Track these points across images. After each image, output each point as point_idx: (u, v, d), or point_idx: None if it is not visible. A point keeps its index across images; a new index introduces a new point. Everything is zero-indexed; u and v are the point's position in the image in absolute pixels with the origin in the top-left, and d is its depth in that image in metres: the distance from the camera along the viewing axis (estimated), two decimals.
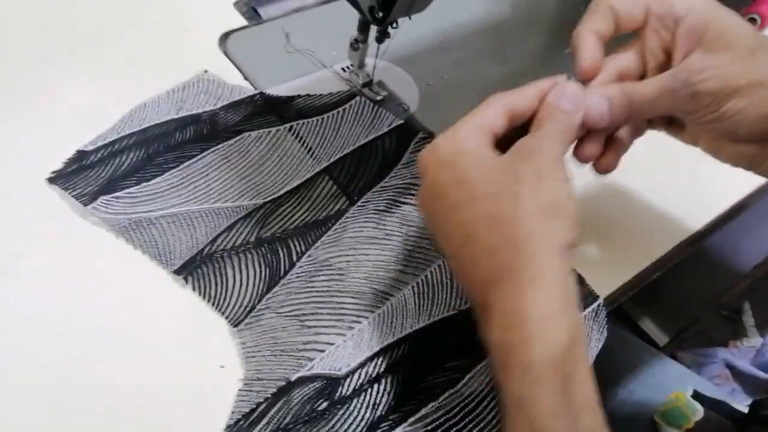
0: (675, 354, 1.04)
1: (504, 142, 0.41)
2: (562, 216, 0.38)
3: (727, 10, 0.43)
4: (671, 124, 0.50)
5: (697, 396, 0.67)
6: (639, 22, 0.44)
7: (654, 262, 0.56)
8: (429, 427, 0.43)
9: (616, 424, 0.68)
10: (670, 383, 0.71)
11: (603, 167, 0.47)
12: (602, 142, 0.46)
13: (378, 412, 0.44)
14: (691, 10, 0.42)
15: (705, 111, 0.43)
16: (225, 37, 0.65)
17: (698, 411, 0.64)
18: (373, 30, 0.57)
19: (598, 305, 0.51)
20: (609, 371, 0.73)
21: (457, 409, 0.44)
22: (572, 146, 0.45)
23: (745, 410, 0.66)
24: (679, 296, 1.16)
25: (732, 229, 0.63)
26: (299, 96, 0.60)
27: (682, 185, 0.61)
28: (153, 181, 0.52)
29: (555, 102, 0.41)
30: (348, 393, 0.44)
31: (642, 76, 0.46)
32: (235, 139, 0.56)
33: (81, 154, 0.53)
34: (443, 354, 0.47)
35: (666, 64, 0.44)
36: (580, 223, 0.38)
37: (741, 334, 1.09)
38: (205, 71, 0.61)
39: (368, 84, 0.62)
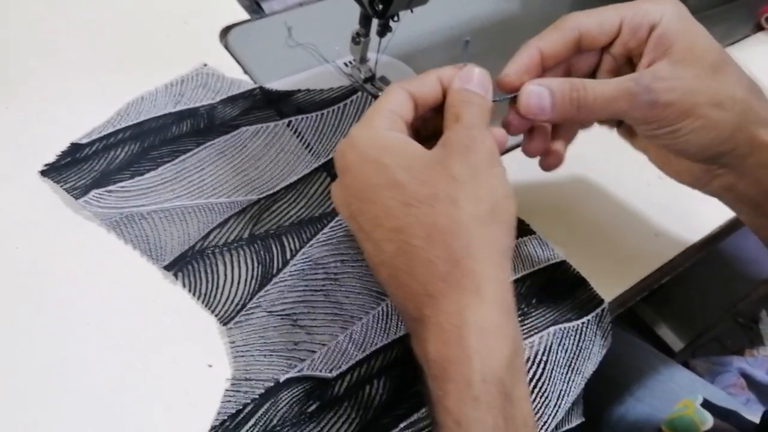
0: (688, 362, 1.02)
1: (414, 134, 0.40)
2: (501, 219, 0.36)
3: (695, 21, 0.42)
4: (622, 124, 0.48)
5: (707, 405, 0.65)
6: (611, 36, 0.43)
7: (664, 265, 0.55)
8: None
9: (625, 430, 0.67)
10: (680, 391, 0.69)
11: (548, 164, 0.46)
12: (548, 136, 0.45)
13: (369, 415, 0.42)
14: (663, 17, 0.42)
15: (660, 124, 0.42)
16: (226, 30, 0.64)
17: (707, 420, 0.62)
18: (375, 24, 0.56)
19: (602, 310, 0.49)
20: (616, 377, 0.71)
21: None
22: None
23: (758, 420, 0.64)
24: (695, 303, 1.13)
25: (749, 236, 0.61)
26: (299, 90, 0.58)
27: None
28: (147, 176, 0.51)
29: (463, 86, 0.40)
30: (338, 395, 0.43)
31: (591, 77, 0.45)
32: (232, 134, 0.55)
33: (75, 147, 0.52)
34: None
35: (623, 69, 0.44)
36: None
37: (757, 343, 1.06)
38: (205, 65, 0.60)
39: (370, 79, 0.61)
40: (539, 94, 0.42)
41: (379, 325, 0.46)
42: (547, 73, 0.44)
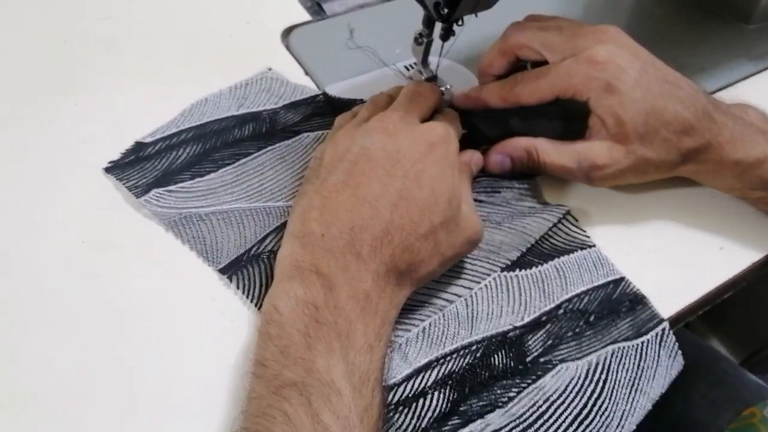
0: None
1: None
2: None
3: (624, 89, 0.49)
4: None
5: None
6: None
7: (728, 280, 0.52)
8: None
9: (687, 428, 0.65)
10: (748, 394, 0.67)
11: None
12: None
13: (422, 427, 0.42)
14: (591, 98, 0.50)
15: (595, 186, 0.53)
16: (288, 31, 0.65)
17: None
18: (438, 27, 0.55)
19: (663, 330, 0.47)
20: (680, 375, 0.69)
21: (506, 429, 0.42)
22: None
23: None
24: (752, 317, 1.09)
25: None
26: (362, 100, 0.58)
27: None
28: (207, 177, 0.52)
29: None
30: (392, 405, 0.43)
31: None
32: (293, 139, 0.55)
33: (139, 146, 0.53)
34: (494, 372, 0.44)
35: None
36: None
37: None
38: (269, 69, 0.60)
39: (431, 81, 0.60)
40: (502, 161, 0.53)
41: (434, 335, 0.46)
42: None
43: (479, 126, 0.57)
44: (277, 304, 0.39)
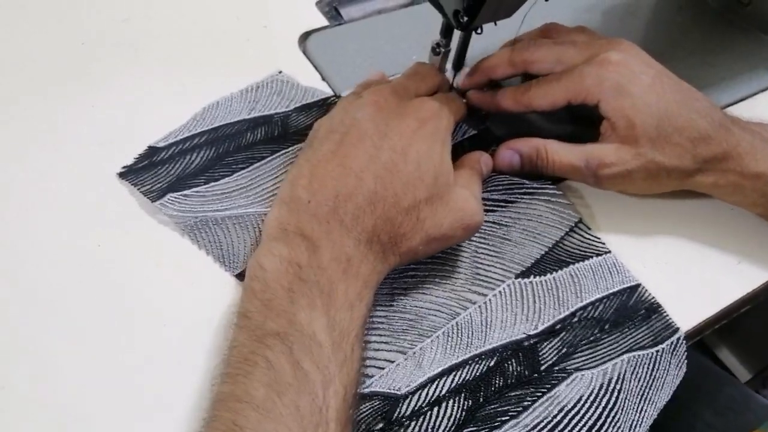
0: (758, 391, 0.97)
1: None
2: None
3: (636, 92, 0.49)
4: None
5: None
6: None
7: (745, 296, 0.52)
8: None
9: None
10: (753, 417, 0.66)
11: None
12: None
13: None
14: (601, 100, 0.49)
15: (604, 187, 0.53)
16: (305, 36, 0.65)
17: None
18: (457, 35, 0.55)
19: (677, 339, 0.47)
20: (686, 401, 0.68)
21: None
22: None
23: None
24: (766, 332, 1.08)
25: None
26: None
27: None
28: (222, 181, 0.52)
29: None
30: (406, 414, 0.42)
31: None
32: (305, 143, 0.55)
33: (152, 151, 0.53)
34: (508, 380, 0.44)
35: None
36: None
37: None
38: (280, 72, 0.60)
39: (449, 89, 0.60)
40: (511, 158, 0.53)
41: (448, 344, 0.45)
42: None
43: (490, 127, 0.57)
44: (262, 261, 0.40)
